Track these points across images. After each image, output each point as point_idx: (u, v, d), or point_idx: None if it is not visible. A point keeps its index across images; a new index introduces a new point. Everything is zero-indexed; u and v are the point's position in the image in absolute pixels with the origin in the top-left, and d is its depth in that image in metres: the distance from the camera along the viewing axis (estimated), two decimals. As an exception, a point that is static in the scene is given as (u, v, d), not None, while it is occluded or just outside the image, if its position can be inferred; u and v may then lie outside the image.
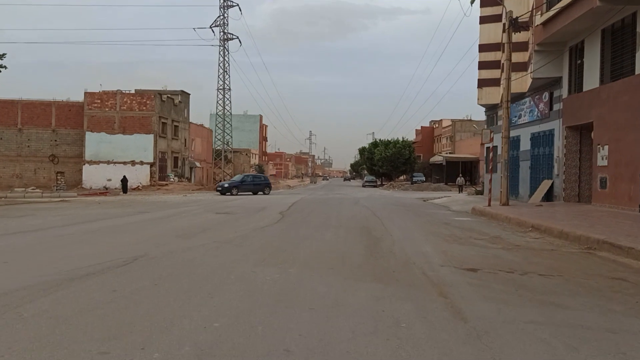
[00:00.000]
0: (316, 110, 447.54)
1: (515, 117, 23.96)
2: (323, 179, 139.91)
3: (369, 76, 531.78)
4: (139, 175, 47.72)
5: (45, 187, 45.33)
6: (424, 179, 63.08)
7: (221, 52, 49.67)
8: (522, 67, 22.03)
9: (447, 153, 65.82)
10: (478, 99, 26.10)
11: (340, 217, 15.78)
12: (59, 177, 48.15)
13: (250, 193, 38.47)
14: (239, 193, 37.59)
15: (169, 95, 52.66)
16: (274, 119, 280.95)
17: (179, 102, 54.40)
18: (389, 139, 68.16)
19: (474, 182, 57.68)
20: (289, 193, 43.30)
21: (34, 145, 48.62)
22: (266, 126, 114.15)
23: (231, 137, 54.85)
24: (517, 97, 23.49)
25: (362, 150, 78.96)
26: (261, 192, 38.58)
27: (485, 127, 29.11)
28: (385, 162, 62.92)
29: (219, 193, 37.74)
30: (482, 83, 25.62)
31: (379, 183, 68.82)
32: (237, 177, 41.90)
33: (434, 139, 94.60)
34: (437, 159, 63.01)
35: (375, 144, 71.54)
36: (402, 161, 63.42)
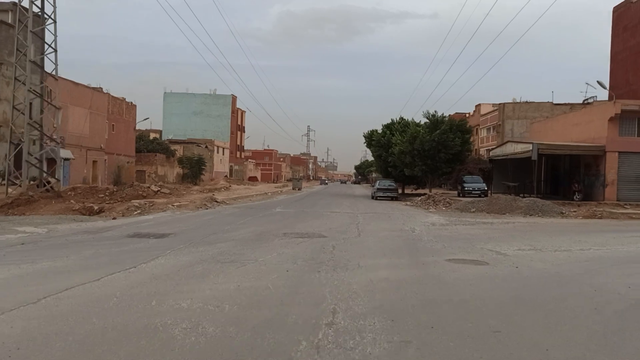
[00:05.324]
0: (322, 113, 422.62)
1: None
2: (321, 183, 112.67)
3: (376, 80, 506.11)
4: None
5: None
6: (484, 187, 35.07)
7: None
8: None
9: (501, 145, 37.24)
10: None
11: None
12: None
13: None
14: None
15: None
16: (275, 120, 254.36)
17: (3, 23, 26.70)
18: (428, 115, 37.63)
19: (591, 191, 29.91)
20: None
21: None
22: (242, 112, 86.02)
23: (56, 65, 25.85)
24: None
25: (369, 138, 46.97)
26: None
27: None
28: (420, 158, 34.19)
29: None
30: None
31: (400, 192, 41.08)
32: None
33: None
34: (510, 149, 33.82)
35: (390, 127, 42.67)
36: (448, 156, 34.85)
